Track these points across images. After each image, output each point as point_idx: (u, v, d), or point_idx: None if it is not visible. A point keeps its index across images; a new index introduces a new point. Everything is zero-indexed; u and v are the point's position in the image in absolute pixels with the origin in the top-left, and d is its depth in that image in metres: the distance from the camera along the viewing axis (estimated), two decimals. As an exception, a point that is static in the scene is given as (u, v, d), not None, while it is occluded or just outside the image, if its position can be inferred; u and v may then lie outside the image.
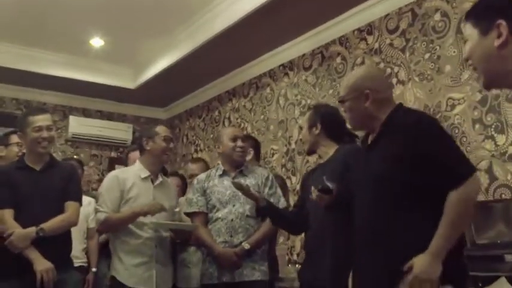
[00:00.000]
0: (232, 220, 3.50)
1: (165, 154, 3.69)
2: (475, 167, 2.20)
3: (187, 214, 3.69)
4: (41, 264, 3.16)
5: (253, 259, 3.48)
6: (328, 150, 3.02)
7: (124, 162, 4.80)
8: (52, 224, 3.27)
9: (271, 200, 3.56)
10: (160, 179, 3.70)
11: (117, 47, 6.18)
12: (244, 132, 5.78)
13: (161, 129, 3.73)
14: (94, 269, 4.30)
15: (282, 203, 3.63)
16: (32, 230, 3.19)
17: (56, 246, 3.31)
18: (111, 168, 6.69)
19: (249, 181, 3.58)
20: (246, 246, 3.44)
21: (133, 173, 3.68)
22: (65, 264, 3.39)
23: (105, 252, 4.21)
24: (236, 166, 3.66)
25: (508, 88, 1.83)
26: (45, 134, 3.40)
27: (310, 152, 3.17)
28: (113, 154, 7.48)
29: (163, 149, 3.66)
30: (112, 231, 3.67)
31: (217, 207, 3.56)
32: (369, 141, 2.40)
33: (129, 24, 5.60)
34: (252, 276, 3.44)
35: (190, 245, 4.10)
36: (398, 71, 4.47)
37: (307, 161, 5.28)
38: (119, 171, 3.84)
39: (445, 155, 2.11)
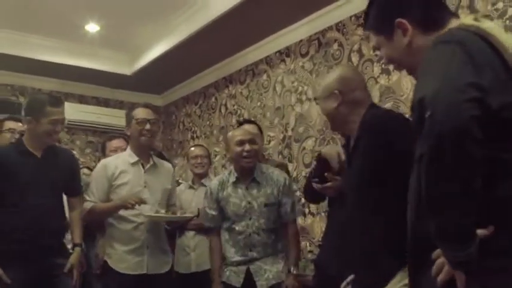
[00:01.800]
0: (250, 235, 3.42)
1: (142, 136, 3.59)
2: None
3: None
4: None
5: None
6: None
7: (102, 151, 4.75)
8: (79, 233, 3.48)
9: (288, 208, 3.50)
10: (151, 162, 3.67)
11: (113, 32, 6.11)
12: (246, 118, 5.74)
13: (136, 112, 3.65)
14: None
15: (298, 211, 3.68)
16: (78, 250, 3.43)
17: (57, 233, 3.35)
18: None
19: (263, 190, 3.46)
20: (295, 271, 3.43)
21: (123, 159, 3.67)
22: (63, 249, 3.45)
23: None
24: (248, 172, 3.50)
25: None
26: (59, 128, 3.37)
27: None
28: (110, 141, 7.45)
29: (138, 132, 3.58)
30: (97, 220, 3.70)
31: (233, 219, 3.46)
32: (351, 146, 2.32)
33: (125, 8, 5.53)
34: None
35: (188, 229, 4.09)
36: (395, 58, 4.42)
37: (304, 148, 5.26)
38: (110, 159, 3.84)
39: None
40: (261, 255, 3.41)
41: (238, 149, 3.42)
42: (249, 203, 3.42)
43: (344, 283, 2.20)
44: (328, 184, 2.74)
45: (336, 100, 2.26)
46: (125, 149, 4.27)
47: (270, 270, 3.39)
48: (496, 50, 1.45)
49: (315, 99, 2.40)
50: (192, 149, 4.66)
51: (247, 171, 3.48)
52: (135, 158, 3.62)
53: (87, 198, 3.58)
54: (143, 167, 3.63)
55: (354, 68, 3.81)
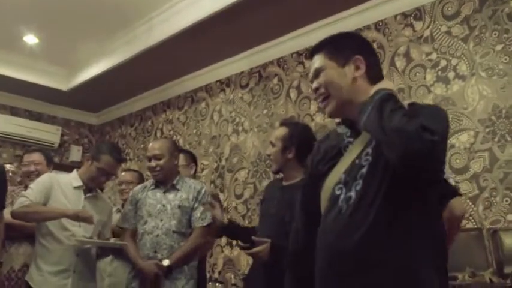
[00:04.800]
0: (158, 235, 3.43)
1: (98, 183, 3.66)
2: None
3: (120, 227, 3.66)
4: None
5: (178, 277, 3.39)
6: (296, 174, 2.91)
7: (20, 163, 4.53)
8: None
9: (197, 214, 3.51)
10: (94, 192, 3.61)
11: (52, 46, 6.00)
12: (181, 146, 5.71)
13: (106, 161, 3.56)
14: None
15: (208, 219, 3.51)
16: None
17: None
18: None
19: (179, 195, 3.53)
20: (166, 262, 3.35)
21: (67, 180, 3.58)
22: None
23: None
24: (165, 181, 3.59)
25: (350, 117, 1.83)
26: None
27: (277, 172, 3.05)
28: (39, 156, 7.22)
29: (98, 181, 3.62)
30: (27, 220, 3.49)
31: (145, 219, 3.50)
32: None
33: (65, 24, 5.44)
34: None
35: (107, 255, 3.99)
36: (332, 98, 4.53)
37: (236, 179, 5.27)
38: (54, 174, 3.74)
39: None
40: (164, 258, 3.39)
41: (148, 163, 3.66)
42: (164, 205, 3.51)
43: None
44: (259, 248, 2.72)
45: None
46: (38, 163, 4.15)
47: (168, 286, 3.35)
48: None
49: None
50: (122, 173, 4.59)
51: (162, 181, 3.61)
52: (79, 183, 3.55)
53: (26, 194, 3.37)
54: (84, 194, 3.55)
55: None
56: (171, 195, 3.55)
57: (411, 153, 1.48)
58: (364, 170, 1.68)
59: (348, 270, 1.63)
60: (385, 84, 1.72)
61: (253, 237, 2.78)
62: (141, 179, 4.48)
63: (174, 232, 3.44)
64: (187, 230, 3.51)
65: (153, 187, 3.62)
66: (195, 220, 3.52)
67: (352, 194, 1.69)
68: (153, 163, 3.56)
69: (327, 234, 1.73)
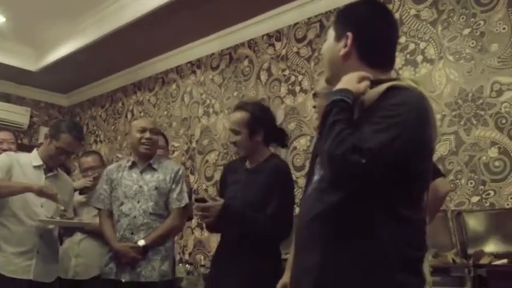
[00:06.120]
0: (135, 217, 3.38)
1: (57, 162, 3.55)
2: None
3: (94, 207, 3.60)
4: None
5: (154, 258, 3.36)
6: (260, 157, 2.92)
7: None
8: None
9: (174, 195, 3.48)
10: (55, 171, 3.56)
11: (20, 25, 5.89)
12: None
13: (65, 140, 3.47)
14: None
15: (185, 200, 3.50)
16: None
17: None
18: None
19: (156, 176, 3.48)
20: (141, 242, 3.33)
21: (26, 160, 3.51)
22: None
23: None
24: (145, 159, 3.54)
25: None
26: None
27: (247, 158, 3.00)
28: (7, 137, 7.11)
29: (58, 160, 3.52)
30: None
31: (122, 201, 3.44)
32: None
33: (33, 2, 5.34)
34: (150, 278, 3.32)
35: (71, 234, 3.94)
36: (302, 80, 4.54)
37: (207, 161, 5.27)
38: (13, 153, 3.66)
39: None
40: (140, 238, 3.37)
41: (139, 135, 3.49)
42: (140, 187, 3.45)
43: None
44: (211, 203, 2.73)
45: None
46: (11, 142, 4.10)
47: (145, 267, 3.33)
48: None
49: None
50: (85, 158, 4.30)
51: (144, 157, 3.53)
52: (39, 162, 3.48)
53: None
54: (45, 173, 3.49)
55: None
56: (147, 176, 3.49)
57: (336, 178, 1.50)
58: None
59: (303, 244, 1.65)
60: (344, 83, 1.60)
61: (205, 197, 2.82)
62: (102, 161, 4.40)
63: (151, 214, 3.40)
64: (164, 212, 3.47)
65: (129, 164, 3.54)
66: (172, 201, 3.48)
67: (317, 177, 1.67)
68: (149, 135, 3.48)
69: (303, 205, 1.76)
